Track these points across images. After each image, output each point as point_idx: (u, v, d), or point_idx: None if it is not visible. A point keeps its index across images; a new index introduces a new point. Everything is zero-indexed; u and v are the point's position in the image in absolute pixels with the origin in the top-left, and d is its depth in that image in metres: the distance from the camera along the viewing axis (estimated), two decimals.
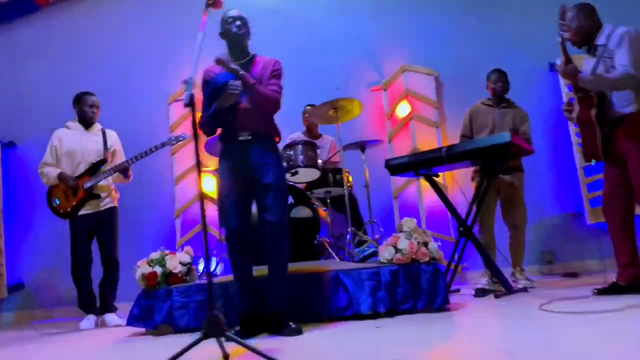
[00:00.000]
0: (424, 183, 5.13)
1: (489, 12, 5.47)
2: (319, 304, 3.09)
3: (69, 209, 4.02)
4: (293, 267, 3.02)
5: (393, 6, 5.54)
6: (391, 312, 3.01)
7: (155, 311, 3.22)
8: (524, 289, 3.73)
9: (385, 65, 5.41)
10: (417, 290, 3.07)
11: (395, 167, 3.97)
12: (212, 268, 4.24)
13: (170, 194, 5.40)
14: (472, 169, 4.26)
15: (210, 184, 5.32)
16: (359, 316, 2.99)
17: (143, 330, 3.28)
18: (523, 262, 4.11)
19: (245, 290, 2.83)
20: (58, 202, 4.04)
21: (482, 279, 4.07)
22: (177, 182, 5.32)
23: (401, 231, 3.29)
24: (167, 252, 3.44)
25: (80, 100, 4.21)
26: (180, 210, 5.28)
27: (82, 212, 4.04)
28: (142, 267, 3.34)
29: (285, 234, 2.82)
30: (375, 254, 4.07)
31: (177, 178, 5.32)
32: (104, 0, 5.81)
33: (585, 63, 3.20)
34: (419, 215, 5.09)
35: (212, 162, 5.29)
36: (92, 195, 4.04)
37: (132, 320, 3.26)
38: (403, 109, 5.29)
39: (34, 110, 5.67)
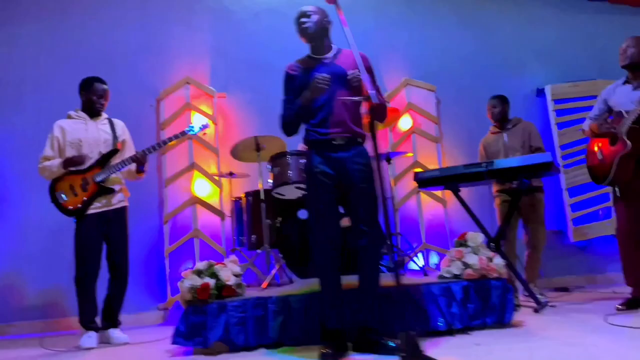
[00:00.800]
0: (423, 197, 5.20)
1: (485, 38, 5.70)
2: (393, 320, 2.97)
3: (80, 205, 3.49)
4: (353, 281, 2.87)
5: (396, 21, 5.57)
6: (465, 329, 2.97)
7: (208, 328, 2.90)
8: (546, 303, 3.88)
9: (388, 78, 5.41)
10: (487, 306, 3.06)
11: (426, 181, 4.01)
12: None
13: (157, 198, 4.93)
14: (493, 189, 4.40)
15: (204, 188, 4.96)
16: (435, 332, 2.92)
17: (178, 347, 2.96)
18: (537, 278, 4.28)
19: (336, 307, 2.64)
20: (66, 198, 3.49)
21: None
22: (167, 185, 4.88)
23: (461, 245, 3.28)
24: (214, 262, 3.13)
25: (89, 87, 3.69)
26: (169, 215, 4.83)
27: (92, 209, 3.53)
28: (191, 279, 3.00)
29: (380, 245, 2.69)
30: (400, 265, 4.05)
31: (167, 180, 4.87)
32: None
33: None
34: (419, 228, 5.12)
35: (207, 165, 4.97)
36: (104, 189, 3.56)
37: (178, 338, 2.92)
38: (405, 122, 5.32)
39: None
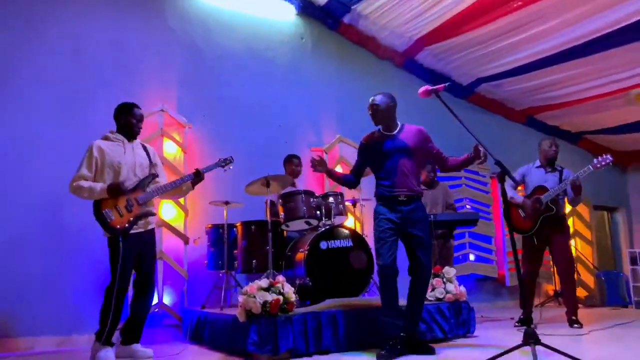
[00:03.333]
0: None
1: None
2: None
3: (127, 224, 3.57)
4: (369, 301, 3.77)
5: (331, 84, 6.65)
6: (452, 337, 4.08)
7: (279, 338, 3.43)
8: None
9: (324, 132, 6.41)
10: (459, 321, 4.22)
11: None
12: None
13: None
14: None
15: (170, 212, 5.17)
16: (435, 340, 3.96)
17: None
18: None
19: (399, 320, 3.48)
20: (113, 217, 3.55)
21: None
22: None
23: (436, 277, 4.41)
24: (272, 280, 3.65)
25: (128, 111, 3.81)
26: None
27: (133, 230, 3.67)
28: (261, 295, 3.48)
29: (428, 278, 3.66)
30: None
31: None
32: None
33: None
34: None
35: None
36: (147, 211, 3.72)
37: (252, 347, 3.37)
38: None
39: None
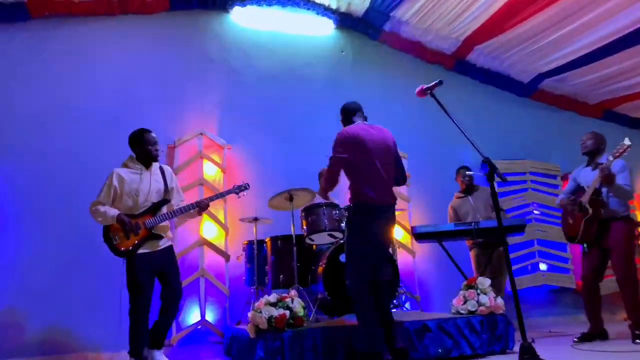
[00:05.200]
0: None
1: (442, 118, 6.79)
2: (427, 347, 3.68)
3: (131, 247, 3.77)
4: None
5: (374, 94, 6.54)
6: (480, 355, 3.77)
7: (286, 353, 3.38)
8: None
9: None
10: (495, 336, 3.89)
11: (421, 234, 4.86)
12: None
13: None
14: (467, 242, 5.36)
15: (211, 230, 5.35)
16: (462, 357, 3.68)
17: None
18: None
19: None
20: (118, 240, 3.77)
21: None
22: (177, 226, 5.20)
23: (470, 288, 4.12)
24: (282, 295, 3.63)
25: (142, 139, 4.00)
26: (178, 255, 5.08)
27: (141, 250, 3.84)
28: (267, 310, 3.47)
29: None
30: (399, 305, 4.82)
31: (178, 222, 5.19)
32: (108, 27, 5.52)
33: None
34: (414, 273, 5.93)
35: (215, 209, 5.39)
36: (153, 235, 3.89)
37: None
38: None
39: (10, 129, 4.97)
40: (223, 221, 5.38)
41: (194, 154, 5.43)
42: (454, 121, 3.19)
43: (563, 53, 6.45)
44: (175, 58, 5.75)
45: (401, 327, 3.56)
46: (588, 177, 4.44)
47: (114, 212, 3.78)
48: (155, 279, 3.93)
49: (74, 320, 4.77)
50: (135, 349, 3.77)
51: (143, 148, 3.99)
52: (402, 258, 6.04)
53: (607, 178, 4.12)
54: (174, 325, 4.96)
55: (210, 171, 5.49)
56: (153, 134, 4.08)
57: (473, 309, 3.96)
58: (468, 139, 3.17)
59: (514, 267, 6.41)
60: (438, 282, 6.14)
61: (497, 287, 5.17)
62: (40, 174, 4.93)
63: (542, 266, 6.68)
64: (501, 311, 3.99)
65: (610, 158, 4.18)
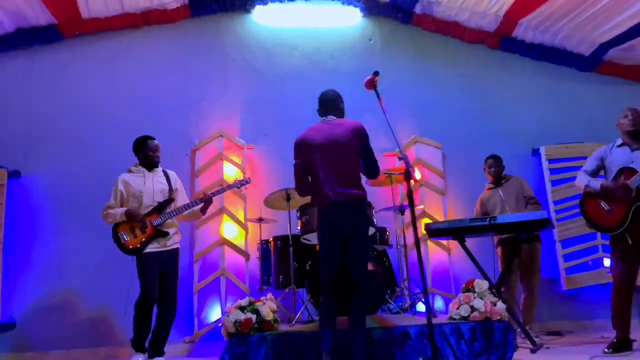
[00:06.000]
0: (430, 244, 5.71)
1: (486, 102, 6.32)
2: (407, 355, 3.43)
3: (138, 245, 4.00)
4: (377, 320, 3.34)
5: (408, 84, 6.22)
6: None
7: (250, 357, 3.35)
8: (541, 345, 4.35)
9: (399, 135, 6.00)
10: (491, 345, 3.53)
11: (435, 231, 4.52)
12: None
13: (189, 238, 5.42)
14: (494, 238, 4.91)
15: (231, 230, 5.45)
16: None
17: None
18: (532, 321, 4.74)
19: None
20: (127, 239, 4.00)
21: None
22: (198, 227, 5.38)
23: (468, 291, 3.77)
24: (253, 299, 3.60)
25: (144, 146, 4.24)
26: (199, 254, 5.31)
27: (149, 249, 4.03)
28: (235, 314, 3.46)
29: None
30: (409, 307, 4.54)
31: (199, 222, 5.37)
32: (134, 39, 5.84)
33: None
34: (449, 272, 5.61)
35: (235, 210, 5.48)
36: (160, 232, 4.06)
37: None
38: (415, 175, 5.86)
39: (45, 142, 5.46)
40: (243, 221, 5.45)
41: (214, 156, 5.56)
42: (383, 109, 2.94)
43: (621, 18, 5.63)
44: (198, 63, 5.90)
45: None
46: (626, 158, 3.83)
47: (122, 209, 4.05)
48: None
49: (111, 313, 5.10)
50: (136, 341, 4.01)
51: (145, 154, 4.24)
52: (436, 255, 5.70)
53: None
54: (195, 322, 5.15)
55: (230, 172, 5.58)
56: (155, 141, 4.30)
57: (466, 315, 3.62)
58: (391, 128, 2.91)
59: (571, 264, 5.82)
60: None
61: (527, 287, 4.73)
62: (72, 179, 5.35)
63: (607, 262, 5.91)
64: (499, 317, 3.60)
65: None
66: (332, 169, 3.27)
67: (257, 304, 3.55)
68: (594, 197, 3.96)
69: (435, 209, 5.78)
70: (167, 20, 5.84)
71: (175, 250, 4.20)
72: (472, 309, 3.61)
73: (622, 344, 3.79)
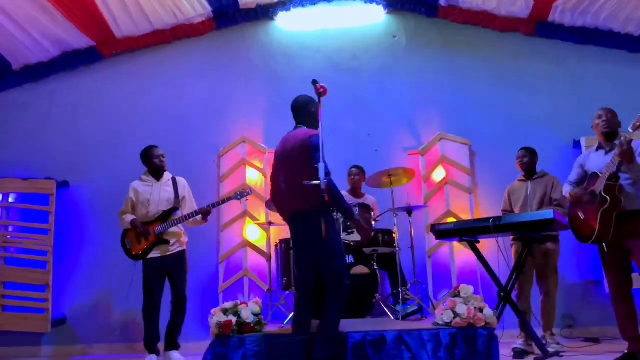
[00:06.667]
0: (456, 244, 5.51)
1: (520, 92, 5.96)
2: None
3: (140, 252, 4.36)
4: (355, 324, 3.33)
5: (431, 78, 6.04)
6: None
7: (229, 359, 3.49)
8: (557, 353, 4.07)
9: (422, 132, 5.87)
10: (473, 352, 3.38)
11: (441, 232, 4.39)
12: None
13: (215, 241, 5.70)
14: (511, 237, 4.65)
15: (254, 233, 5.65)
16: None
17: None
18: (553, 326, 4.44)
19: None
20: (131, 245, 4.38)
21: (517, 340, 4.38)
22: (223, 230, 5.64)
23: (455, 296, 3.63)
24: (239, 302, 3.74)
25: (149, 156, 4.58)
26: (224, 256, 5.57)
27: (152, 255, 4.36)
28: (218, 316, 3.62)
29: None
30: (417, 311, 4.44)
31: (224, 226, 5.63)
32: (165, 54, 6.23)
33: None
34: (450, 275, 5.42)
35: (257, 213, 5.67)
36: (161, 240, 4.36)
37: None
38: (439, 174, 5.71)
39: (88, 154, 6.00)
40: (257, 224, 5.62)
41: (237, 162, 5.78)
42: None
43: None
44: (224, 73, 6.17)
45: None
46: (600, 162, 3.54)
47: (130, 218, 4.44)
48: (165, 281, 4.44)
49: None
50: (147, 342, 4.37)
51: (150, 162, 4.58)
52: (462, 257, 5.49)
53: (626, 154, 3.25)
54: None
55: (253, 176, 5.78)
56: (158, 149, 4.64)
57: (448, 321, 3.50)
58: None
59: None
60: None
61: (544, 290, 4.46)
62: (111, 190, 5.81)
63: None
64: (483, 324, 3.44)
65: (630, 130, 3.28)
66: (286, 181, 3.34)
67: (240, 306, 3.68)
68: (575, 207, 3.72)
69: (461, 208, 5.58)
70: (194, 34, 6.16)
71: (180, 253, 4.49)
72: (455, 314, 3.47)
73: (632, 357, 3.48)
